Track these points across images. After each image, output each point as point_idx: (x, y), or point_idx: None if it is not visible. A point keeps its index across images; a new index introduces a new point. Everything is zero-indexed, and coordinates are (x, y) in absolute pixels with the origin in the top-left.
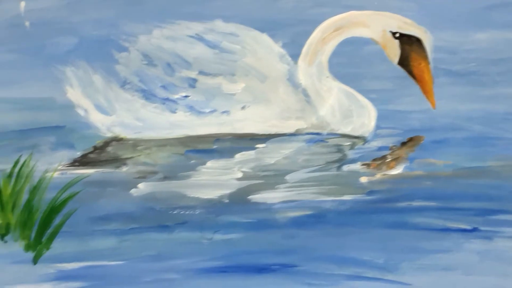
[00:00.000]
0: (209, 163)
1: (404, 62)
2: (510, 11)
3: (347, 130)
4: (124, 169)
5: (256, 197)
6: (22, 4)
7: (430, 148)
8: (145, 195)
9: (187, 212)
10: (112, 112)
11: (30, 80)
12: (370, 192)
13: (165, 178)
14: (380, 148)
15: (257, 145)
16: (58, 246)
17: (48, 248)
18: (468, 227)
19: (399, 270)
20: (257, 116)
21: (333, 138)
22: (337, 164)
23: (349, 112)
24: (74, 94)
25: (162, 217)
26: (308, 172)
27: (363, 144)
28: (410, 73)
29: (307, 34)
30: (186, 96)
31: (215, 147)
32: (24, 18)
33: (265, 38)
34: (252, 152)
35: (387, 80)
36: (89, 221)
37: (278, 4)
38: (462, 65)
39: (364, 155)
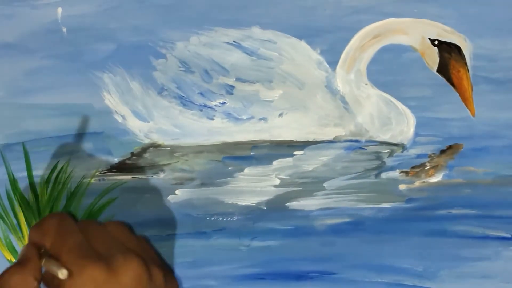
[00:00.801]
0: (247, 170)
1: (443, 69)
2: None
3: (385, 137)
4: (162, 175)
5: (294, 204)
6: (59, 10)
7: (469, 156)
8: (183, 202)
9: (224, 219)
10: (150, 118)
11: (68, 86)
12: (409, 200)
13: (203, 184)
14: (419, 156)
15: (295, 152)
16: None
17: None
18: (508, 235)
19: (438, 278)
20: (294, 123)
21: (372, 145)
22: (375, 172)
23: (388, 119)
24: (111, 100)
25: (199, 223)
26: (347, 179)
27: (402, 151)
28: (449, 80)
29: (345, 41)
30: (223, 103)
31: (252, 154)
32: (62, 24)
33: (302, 45)
34: (289, 159)
35: (426, 87)
36: None
37: (316, 11)
38: (502, 72)
39: (403, 163)
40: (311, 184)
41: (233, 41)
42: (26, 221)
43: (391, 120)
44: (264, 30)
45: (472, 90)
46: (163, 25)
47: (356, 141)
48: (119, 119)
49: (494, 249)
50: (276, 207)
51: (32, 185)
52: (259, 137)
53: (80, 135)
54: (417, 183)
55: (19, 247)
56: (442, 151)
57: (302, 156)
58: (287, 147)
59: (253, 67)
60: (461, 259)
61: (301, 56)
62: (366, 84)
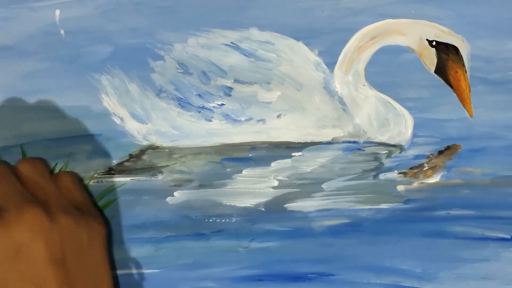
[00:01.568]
0: (245, 172)
1: (440, 70)
2: None
3: (384, 138)
4: (160, 177)
5: (292, 206)
6: (57, 12)
7: (467, 157)
8: (181, 203)
9: (223, 220)
10: (148, 120)
11: (66, 89)
12: (407, 201)
13: (201, 186)
14: (417, 157)
15: (293, 154)
16: None
17: None
18: (507, 236)
19: (437, 279)
20: (293, 124)
21: (370, 146)
22: (373, 173)
23: (386, 120)
24: (109, 102)
25: (198, 225)
26: (345, 180)
27: (400, 152)
28: (447, 81)
29: (343, 42)
30: (221, 105)
31: (250, 155)
32: (59, 26)
33: (300, 46)
34: (288, 161)
35: (424, 88)
36: (124, 229)
37: (314, 12)
38: (499, 73)
39: (401, 164)
40: (309, 186)
41: (231, 42)
42: None
43: (389, 121)
44: (262, 31)
45: (469, 91)
46: (161, 27)
47: (354, 142)
48: (117, 121)
49: (494, 250)
50: (274, 209)
51: None
52: (257, 138)
53: (78, 137)
54: (415, 184)
55: None
56: (440, 152)
57: (300, 158)
58: (286, 149)
59: (251, 68)
60: (460, 260)
61: (299, 57)
62: (364, 85)
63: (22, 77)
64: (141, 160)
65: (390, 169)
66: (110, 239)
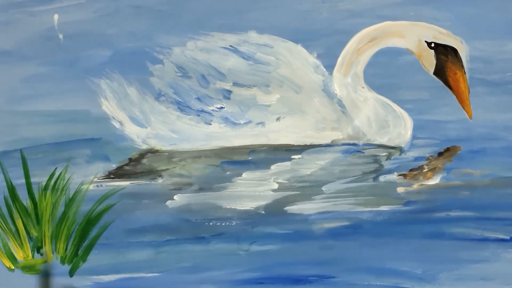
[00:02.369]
0: (245, 175)
1: (439, 72)
2: None
3: (383, 140)
4: (160, 181)
5: (292, 208)
6: (56, 17)
7: (467, 158)
8: (181, 207)
9: (223, 224)
10: (147, 124)
11: (65, 93)
12: (407, 203)
13: (201, 189)
14: (416, 159)
15: (293, 156)
16: (94, 258)
17: (84, 261)
18: (506, 237)
19: (437, 281)
20: (292, 127)
21: (370, 148)
22: (373, 175)
23: (385, 122)
24: (109, 106)
25: (198, 228)
26: (345, 183)
27: (400, 154)
28: (446, 83)
29: (342, 44)
30: (221, 108)
31: (250, 158)
32: (58, 30)
33: (299, 49)
34: (287, 163)
35: (423, 90)
36: (125, 233)
37: (312, 15)
38: (498, 74)
39: (401, 166)
40: (309, 188)
41: (230, 45)
42: (24, 228)
43: (388, 123)
44: (261, 34)
45: (469, 92)
46: (160, 31)
47: (354, 144)
48: (117, 125)
49: (493, 251)
50: (274, 211)
51: (30, 192)
52: (257, 141)
53: (77, 141)
54: (415, 186)
55: (18, 253)
56: (440, 154)
57: (300, 160)
58: (285, 151)
59: (250, 71)
60: (460, 261)
61: (298, 60)
62: (363, 88)
63: (21, 81)
64: (140, 164)
65: (390, 171)
66: None
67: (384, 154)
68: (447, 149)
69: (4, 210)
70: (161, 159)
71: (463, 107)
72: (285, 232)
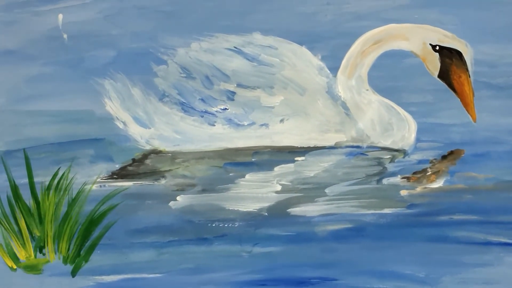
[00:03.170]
0: (248, 176)
1: (444, 75)
2: None
3: (387, 143)
4: (163, 181)
5: (296, 210)
6: (60, 16)
7: (471, 162)
8: (184, 208)
9: (226, 225)
10: (151, 124)
11: (69, 93)
12: (411, 206)
13: (204, 190)
14: (420, 162)
15: (296, 158)
16: (96, 258)
17: (86, 261)
18: (510, 241)
19: (440, 284)
20: (296, 129)
21: (373, 151)
22: (377, 177)
23: (389, 125)
24: (112, 107)
25: (200, 229)
26: (348, 185)
27: (403, 157)
28: (450, 86)
29: (346, 47)
30: (224, 109)
31: (253, 160)
32: (62, 30)
33: (304, 51)
34: (291, 165)
35: (427, 93)
36: (127, 234)
37: (317, 17)
38: (502, 78)
39: (404, 168)
40: (312, 190)
41: (234, 47)
42: (27, 228)
43: (392, 126)
44: (265, 36)
45: (473, 95)
46: (164, 31)
47: (358, 147)
48: (120, 125)
49: (496, 255)
50: (277, 213)
51: (33, 191)
52: (260, 143)
53: (81, 141)
54: (419, 189)
55: (20, 253)
56: (444, 157)
57: (303, 162)
58: (288, 153)
59: (254, 73)
60: (463, 265)
61: (302, 62)
62: (367, 90)
63: (25, 81)
64: (144, 164)
65: (393, 174)
66: None
67: (387, 156)
68: (451, 152)
69: (7, 210)
70: (165, 160)
71: (467, 110)
72: (288, 234)
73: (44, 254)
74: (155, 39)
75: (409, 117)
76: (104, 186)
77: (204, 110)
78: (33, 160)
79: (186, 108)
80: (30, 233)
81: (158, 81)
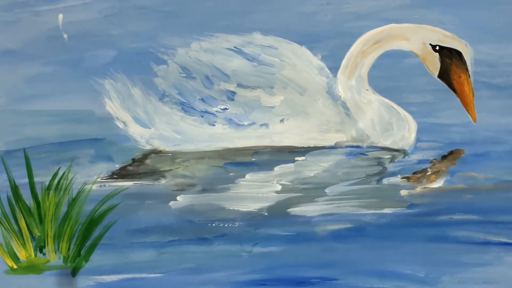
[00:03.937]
0: (248, 176)
1: (444, 75)
2: None
3: (387, 143)
4: (163, 181)
5: (296, 210)
6: (60, 16)
7: (471, 162)
8: (184, 208)
9: (226, 225)
10: (151, 124)
11: (69, 93)
12: (411, 206)
13: (204, 190)
14: (420, 161)
15: (296, 158)
16: (97, 258)
17: (87, 261)
18: (509, 241)
19: (440, 284)
20: (296, 129)
21: (373, 151)
22: (377, 177)
23: (389, 125)
24: (112, 106)
25: (200, 229)
26: (348, 185)
27: (403, 157)
28: (450, 86)
29: (347, 47)
30: (224, 109)
31: (253, 160)
32: (63, 30)
33: (304, 51)
34: (291, 165)
35: (427, 93)
36: (127, 234)
37: (317, 17)
38: (502, 78)
39: (404, 168)
40: (312, 190)
41: (234, 47)
42: (27, 228)
43: (392, 126)
44: (265, 36)
45: (473, 95)
46: (164, 31)
47: (358, 146)
48: (120, 125)
49: (496, 254)
50: (277, 213)
51: (33, 191)
52: (260, 143)
53: (81, 141)
54: (419, 189)
55: (21, 253)
56: (444, 157)
57: (303, 162)
58: (288, 153)
59: (254, 73)
60: (462, 265)
61: (302, 61)
62: (367, 90)
63: (25, 81)
64: (144, 164)
65: (393, 174)
66: None
67: (387, 156)
68: (451, 152)
69: (7, 210)
70: (165, 159)
71: (467, 110)
72: (288, 234)
73: (44, 254)
74: (155, 39)
75: (409, 117)
76: (104, 186)
77: (204, 110)
78: (33, 160)
79: (186, 108)
80: (30, 233)
81: (158, 81)
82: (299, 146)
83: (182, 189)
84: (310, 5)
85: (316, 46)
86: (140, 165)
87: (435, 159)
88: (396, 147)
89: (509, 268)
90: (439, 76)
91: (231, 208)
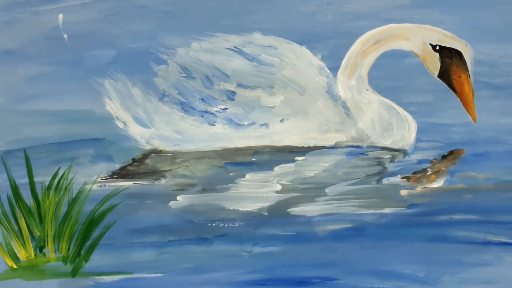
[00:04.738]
0: (248, 176)
1: (444, 75)
2: None
3: (387, 143)
4: (163, 181)
5: (296, 210)
6: (60, 16)
7: (470, 161)
8: (184, 208)
9: (226, 225)
10: (151, 124)
11: (69, 93)
12: (411, 205)
13: (204, 190)
14: (420, 161)
15: (296, 158)
16: (97, 258)
17: (87, 261)
18: (509, 241)
19: (440, 284)
20: (296, 128)
21: (373, 151)
22: (377, 177)
23: (389, 125)
24: (113, 106)
25: (200, 229)
26: (348, 185)
27: (403, 157)
28: (450, 86)
29: (347, 47)
30: (224, 109)
31: (253, 159)
32: (63, 30)
33: (304, 50)
34: (291, 165)
35: (427, 93)
36: (128, 234)
37: (317, 17)
38: (502, 78)
39: (404, 168)
40: (312, 190)
41: (234, 47)
42: (27, 227)
43: (392, 126)
44: (265, 35)
45: (473, 95)
46: (164, 31)
47: (358, 146)
48: (120, 125)
49: (496, 254)
50: (277, 213)
51: (33, 191)
52: (260, 142)
53: (81, 141)
54: (419, 189)
55: (21, 253)
56: (444, 157)
57: (303, 162)
58: (288, 153)
59: (254, 72)
60: (463, 265)
61: (302, 61)
62: (367, 90)
63: (25, 81)
64: (144, 164)
65: (393, 174)
66: None
67: (387, 156)
68: (451, 152)
69: (7, 209)
70: (165, 159)
71: (467, 110)
72: (288, 233)
73: (44, 254)
74: (155, 39)
75: (409, 117)
76: (104, 186)
77: (204, 110)
78: (33, 160)
79: (186, 108)
80: (30, 232)
81: (158, 81)
82: (299, 146)
83: (182, 189)
84: (310, 5)
85: (316, 46)
86: (140, 165)
87: (435, 159)
88: (396, 147)
89: (509, 268)
90: (439, 76)
91: (231, 208)
